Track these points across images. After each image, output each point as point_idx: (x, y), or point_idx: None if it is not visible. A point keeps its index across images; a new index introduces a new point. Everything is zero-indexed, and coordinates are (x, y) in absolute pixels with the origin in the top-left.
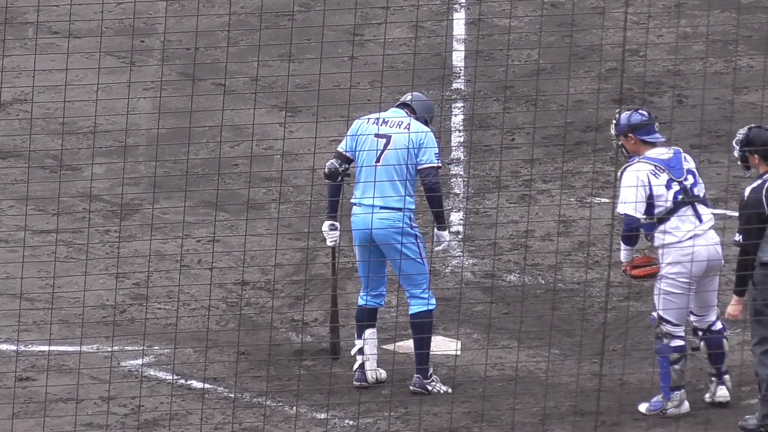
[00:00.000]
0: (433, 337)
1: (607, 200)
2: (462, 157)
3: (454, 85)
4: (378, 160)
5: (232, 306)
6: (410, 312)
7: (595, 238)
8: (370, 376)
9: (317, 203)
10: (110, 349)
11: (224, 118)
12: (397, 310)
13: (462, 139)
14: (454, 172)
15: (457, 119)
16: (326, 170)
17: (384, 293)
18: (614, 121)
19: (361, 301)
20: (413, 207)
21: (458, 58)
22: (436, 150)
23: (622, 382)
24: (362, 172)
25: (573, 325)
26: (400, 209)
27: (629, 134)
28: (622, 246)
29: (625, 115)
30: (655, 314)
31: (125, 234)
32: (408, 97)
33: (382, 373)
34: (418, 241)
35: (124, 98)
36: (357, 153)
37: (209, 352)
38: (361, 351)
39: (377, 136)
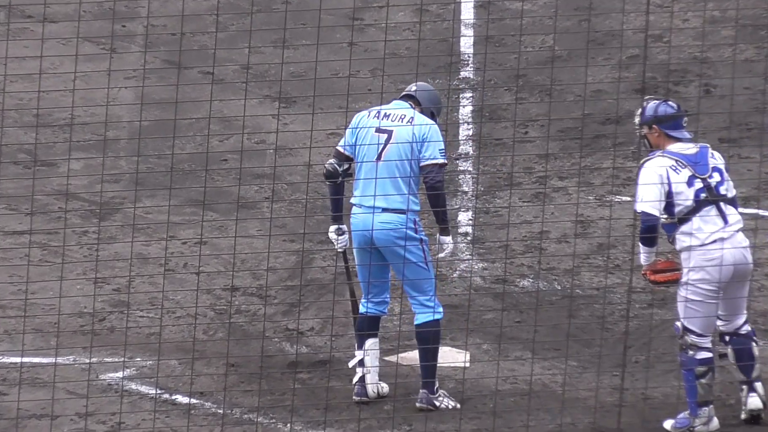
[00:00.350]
0: (440, 348)
1: (628, 198)
2: (471, 152)
3: (462, 74)
4: (379, 157)
5: (220, 314)
6: (415, 322)
7: (615, 240)
8: (371, 390)
9: (313, 202)
10: (88, 361)
11: (212, 109)
12: (401, 318)
13: (471, 133)
14: (462, 168)
15: (466, 111)
16: (325, 171)
17: (387, 300)
18: (640, 110)
19: (362, 309)
20: (418, 208)
21: (467, 45)
22: (441, 145)
23: (646, 397)
24: (362, 169)
25: (592, 334)
26: (403, 211)
27: (654, 125)
28: (641, 248)
29: (652, 104)
30: (678, 324)
31: (105, 235)
32: (412, 87)
33: (384, 387)
34: (423, 244)
35: (104, 88)
36: (357, 148)
37: (196, 364)
38: (361, 363)
39: (378, 130)
